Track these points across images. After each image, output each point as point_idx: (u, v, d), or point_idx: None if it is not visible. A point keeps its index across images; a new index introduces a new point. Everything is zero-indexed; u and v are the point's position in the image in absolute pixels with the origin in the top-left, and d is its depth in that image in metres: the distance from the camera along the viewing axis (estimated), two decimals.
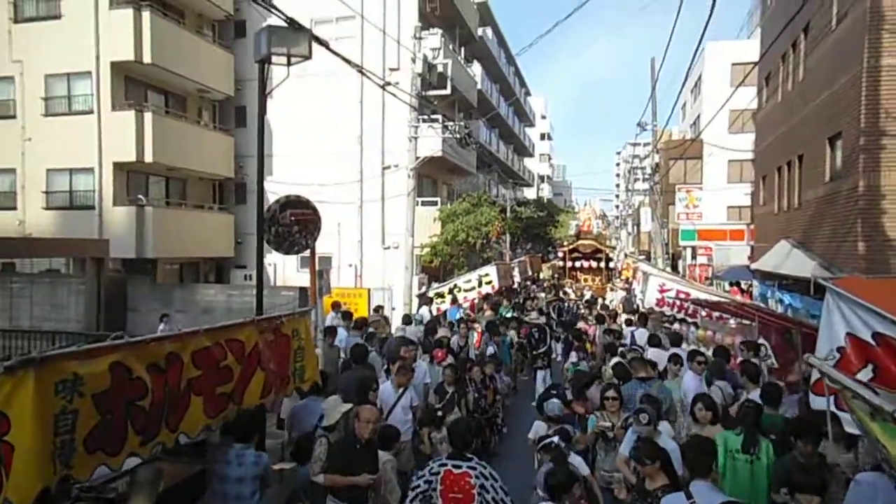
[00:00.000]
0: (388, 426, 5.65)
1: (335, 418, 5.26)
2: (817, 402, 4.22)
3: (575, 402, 6.96)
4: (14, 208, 19.38)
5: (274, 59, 6.64)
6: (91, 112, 18.45)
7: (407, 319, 12.48)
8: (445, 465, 4.26)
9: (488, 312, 14.30)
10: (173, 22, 19.82)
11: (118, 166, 18.58)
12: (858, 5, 11.05)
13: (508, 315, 14.37)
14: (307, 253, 8.36)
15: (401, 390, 6.81)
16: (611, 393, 5.98)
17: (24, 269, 18.94)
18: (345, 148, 21.27)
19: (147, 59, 18.14)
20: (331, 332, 8.98)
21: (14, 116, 19.17)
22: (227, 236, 22.16)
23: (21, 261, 18.91)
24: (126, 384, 3.23)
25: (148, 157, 18.35)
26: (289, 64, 6.65)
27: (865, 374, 3.83)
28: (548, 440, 5.32)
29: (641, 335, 10.70)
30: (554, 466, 4.53)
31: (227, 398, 4.08)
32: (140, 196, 19.10)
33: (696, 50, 10.16)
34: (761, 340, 8.90)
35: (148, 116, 18.45)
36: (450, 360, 8.73)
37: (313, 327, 6.85)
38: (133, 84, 19.22)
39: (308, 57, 6.60)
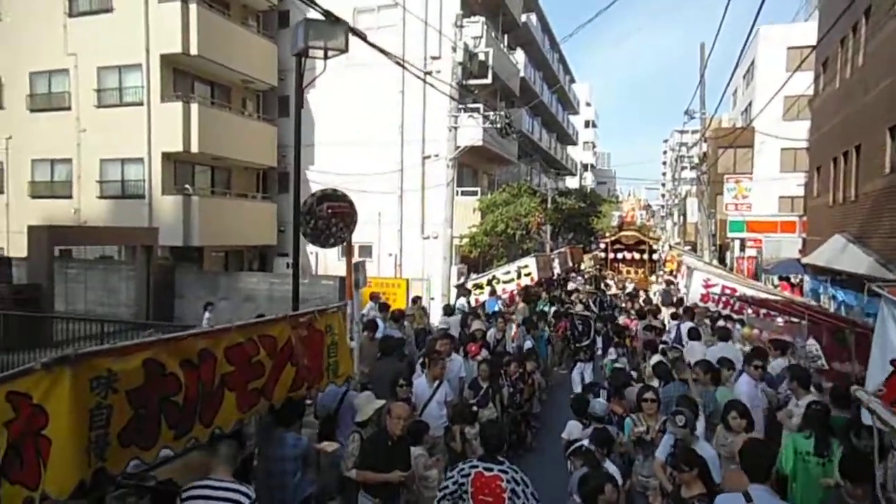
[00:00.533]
0: (416, 421, 5.62)
1: (368, 414, 5.29)
2: (868, 417, 3.99)
3: (613, 401, 6.80)
4: (70, 197, 20.18)
5: (311, 52, 6.66)
6: (141, 103, 19.01)
7: (449, 310, 12.31)
8: (476, 466, 4.21)
9: (521, 305, 14.08)
10: (219, 13, 20.19)
11: (166, 156, 19.12)
12: None
13: (546, 308, 14.14)
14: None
15: (435, 384, 6.74)
16: (649, 395, 5.78)
17: (80, 255, 19.75)
18: (386, 137, 21.32)
19: (194, 50, 18.57)
20: (371, 326, 8.94)
21: (69, 108, 19.92)
22: (271, 225, 22.59)
23: (77, 248, 19.71)
24: (159, 380, 3.28)
25: (194, 148, 18.81)
26: (326, 57, 6.66)
27: None
28: (578, 444, 5.20)
29: (688, 330, 10.28)
30: (588, 471, 4.44)
31: (259, 393, 4.12)
32: (187, 185, 19.62)
33: (750, 33, 9.80)
34: (811, 340, 8.52)
35: (194, 107, 18.90)
36: (484, 354, 8.64)
37: (350, 320, 6.88)
38: (180, 76, 19.70)
39: (345, 50, 6.59)
